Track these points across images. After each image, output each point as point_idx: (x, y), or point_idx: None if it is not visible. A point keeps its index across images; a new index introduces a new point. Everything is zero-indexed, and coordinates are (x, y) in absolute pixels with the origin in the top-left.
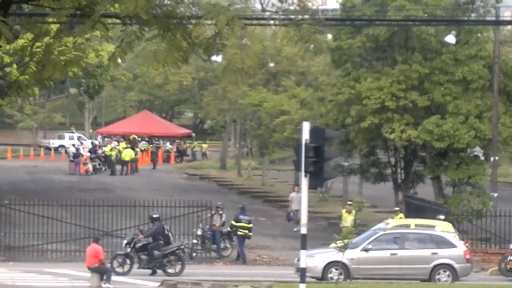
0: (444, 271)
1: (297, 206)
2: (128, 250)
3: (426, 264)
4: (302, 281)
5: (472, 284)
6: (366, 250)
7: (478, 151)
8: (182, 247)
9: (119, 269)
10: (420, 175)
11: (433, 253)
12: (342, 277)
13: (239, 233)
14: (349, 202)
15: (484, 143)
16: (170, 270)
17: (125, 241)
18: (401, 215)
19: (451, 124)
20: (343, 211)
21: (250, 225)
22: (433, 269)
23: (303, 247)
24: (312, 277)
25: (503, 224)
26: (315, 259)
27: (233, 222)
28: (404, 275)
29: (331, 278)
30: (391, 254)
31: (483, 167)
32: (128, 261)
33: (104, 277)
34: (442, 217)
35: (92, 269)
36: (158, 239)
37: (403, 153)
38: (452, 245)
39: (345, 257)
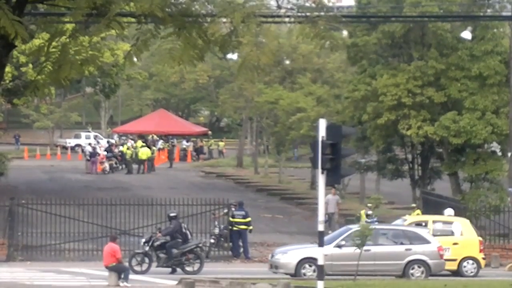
0: (418, 267)
1: (333, 209)
2: (147, 248)
3: (399, 260)
4: (320, 278)
5: (491, 280)
6: (339, 246)
7: (495, 146)
8: (200, 245)
9: (137, 268)
10: (437, 171)
11: (406, 249)
12: (315, 273)
13: (234, 228)
14: (369, 205)
15: (501, 139)
16: (188, 268)
17: (143, 240)
18: (418, 211)
19: (468, 120)
20: (362, 212)
21: (246, 220)
22: (407, 265)
23: (321, 244)
24: (286, 274)
25: None
26: (288, 255)
27: (230, 219)
28: (378, 271)
29: (304, 275)
30: (365, 251)
31: (500, 163)
32: (146, 259)
33: (122, 276)
34: (450, 211)
35: (109, 268)
36: (176, 238)
37: (420, 149)
38: (426, 241)
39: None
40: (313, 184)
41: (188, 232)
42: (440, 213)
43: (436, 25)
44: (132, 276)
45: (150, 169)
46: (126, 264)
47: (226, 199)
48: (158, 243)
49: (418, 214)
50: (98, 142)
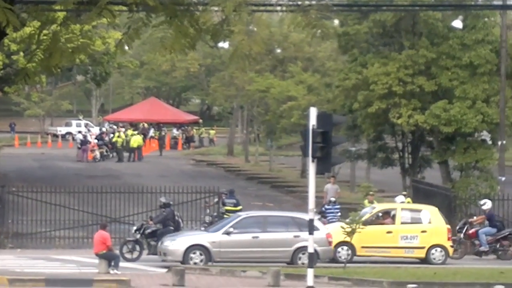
0: (305, 254)
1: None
2: (138, 236)
3: (287, 247)
4: (310, 266)
5: (481, 267)
6: (228, 233)
7: (486, 135)
8: None
9: (128, 255)
10: (428, 160)
11: (295, 236)
12: (203, 260)
13: (225, 216)
14: (371, 192)
15: (491, 127)
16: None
17: (134, 227)
18: (409, 199)
19: (459, 109)
20: (365, 201)
21: (237, 208)
22: (295, 252)
23: (311, 232)
24: (175, 261)
25: (511, 208)
26: (176, 242)
27: (221, 207)
28: (266, 258)
29: (194, 263)
30: (253, 237)
31: (491, 151)
32: (137, 247)
33: (112, 263)
34: (401, 198)
35: (99, 256)
36: (168, 225)
37: (410, 138)
38: (315, 228)
39: (207, 240)
40: (304, 172)
41: (180, 220)
42: (430, 202)
43: (427, 14)
44: (122, 264)
45: (139, 158)
46: (117, 251)
47: (217, 187)
48: (149, 230)
49: (408, 202)
50: (89, 130)
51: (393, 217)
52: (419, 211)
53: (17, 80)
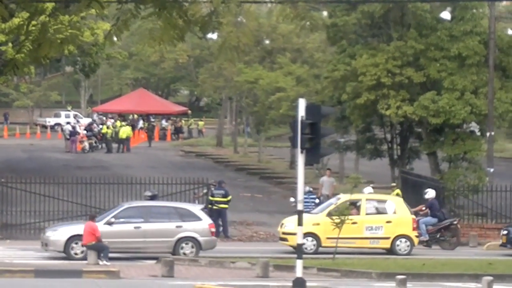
0: (188, 244)
1: (327, 191)
2: None
3: (170, 237)
4: (299, 257)
5: (469, 258)
6: (109, 223)
7: (474, 126)
8: None
9: None
10: (416, 151)
11: (177, 226)
12: (84, 251)
13: (214, 207)
14: (371, 185)
15: (480, 119)
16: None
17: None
18: (398, 191)
19: (447, 100)
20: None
21: (226, 199)
22: (177, 242)
23: (300, 223)
24: (57, 251)
25: (499, 199)
26: (58, 232)
27: (210, 198)
28: (148, 249)
29: (75, 253)
30: (135, 228)
31: (479, 143)
32: None
33: (101, 255)
34: (369, 189)
35: (89, 247)
36: None
37: (399, 129)
38: (197, 218)
39: None
40: (293, 164)
41: None
42: (420, 192)
43: (416, 5)
44: (111, 255)
45: (127, 149)
46: (106, 242)
47: (206, 178)
48: None
49: (398, 194)
50: (77, 121)
51: (359, 208)
52: (384, 201)
53: (6, 71)
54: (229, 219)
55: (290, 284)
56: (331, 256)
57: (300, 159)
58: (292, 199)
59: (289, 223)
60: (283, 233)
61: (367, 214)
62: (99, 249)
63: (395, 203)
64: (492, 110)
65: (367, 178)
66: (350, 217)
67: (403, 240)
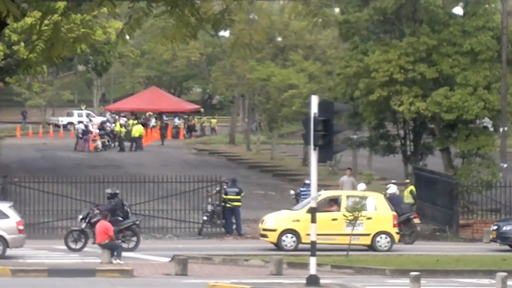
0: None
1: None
2: (83, 225)
3: None
4: (313, 254)
5: (483, 254)
6: None
7: (487, 122)
8: (137, 222)
9: (72, 245)
10: (429, 147)
11: None
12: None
13: (227, 205)
14: (393, 181)
15: (493, 114)
16: (124, 245)
17: (80, 216)
18: (412, 187)
19: (460, 96)
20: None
21: (239, 197)
22: None
23: (313, 220)
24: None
25: None
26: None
27: (224, 196)
28: None
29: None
30: None
31: (492, 138)
32: (83, 237)
33: (115, 253)
34: (363, 186)
35: (102, 246)
36: (117, 215)
37: (412, 125)
38: (5, 216)
39: None
40: (306, 161)
41: (128, 210)
42: (434, 188)
43: (428, 1)
44: (124, 254)
45: (139, 147)
46: (119, 241)
47: (219, 176)
48: (95, 219)
49: (411, 191)
50: (90, 120)
51: (339, 204)
52: (364, 198)
53: (19, 71)
54: (242, 217)
55: (304, 281)
56: (344, 253)
57: (313, 156)
58: (292, 192)
59: (270, 219)
60: (263, 230)
61: (347, 210)
62: (113, 248)
63: (375, 199)
64: (505, 105)
65: (380, 175)
66: (330, 213)
67: (384, 236)
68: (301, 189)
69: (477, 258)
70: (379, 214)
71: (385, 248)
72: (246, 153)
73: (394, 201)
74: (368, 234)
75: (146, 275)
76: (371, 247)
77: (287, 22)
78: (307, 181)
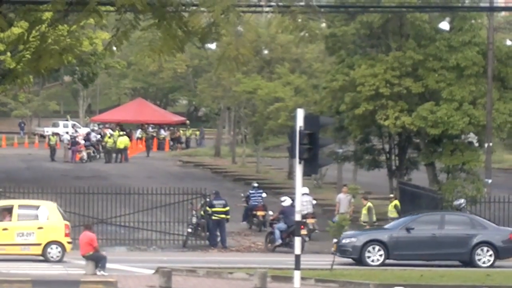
0: None
1: (344, 209)
2: None
3: None
4: (297, 268)
5: (464, 270)
6: None
7: (472, 137)
8: None
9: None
10: (414, 162)
11: None
12: None
13: (214, 217)
14: (391, 195)
15: (478, 129)
16: None
17: None
18: (396, 202)
19: (445, 111)
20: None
21: (226, 209)
22: None
23: (297, 234)
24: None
25: (497, 211)
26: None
27: (208, 208)
28: None
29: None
30: None
31: (477, 154)
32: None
33: (99, 265)
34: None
35: (87, 257)
36: None
37: (397, 139)
38: None
39: None
40: (291, 174)
41: None
42: (418, 203)
43: (414, 15)
44: (108, 265)
45: (125, 159)
46: (103, 252)
47: (204, 188)
48: None
49: (396, 205)
50: (76, 131)
51: (11, 214)
52: (36, 207)
53: (6, 82)
54: (227, 230)
55: None
56: (328, 267)
57: (299, 170)
58: (242, 194)
59: None
60: None
61: (19, 220)
62: (97, 259)
63: (48, 208)
64: (490, 121)
65: (365, 189)
66: (1, 223)
67: (55, 246)
68: (251, 191)
69: (461, 273)
70: (50, 224)
71: (57, 258)
72: (232, 165)
73: (286, 213)
74: (39, 244)
75: (130, 287)
76: (43, 256)
77: (273, 35)
78: (255, 184)
